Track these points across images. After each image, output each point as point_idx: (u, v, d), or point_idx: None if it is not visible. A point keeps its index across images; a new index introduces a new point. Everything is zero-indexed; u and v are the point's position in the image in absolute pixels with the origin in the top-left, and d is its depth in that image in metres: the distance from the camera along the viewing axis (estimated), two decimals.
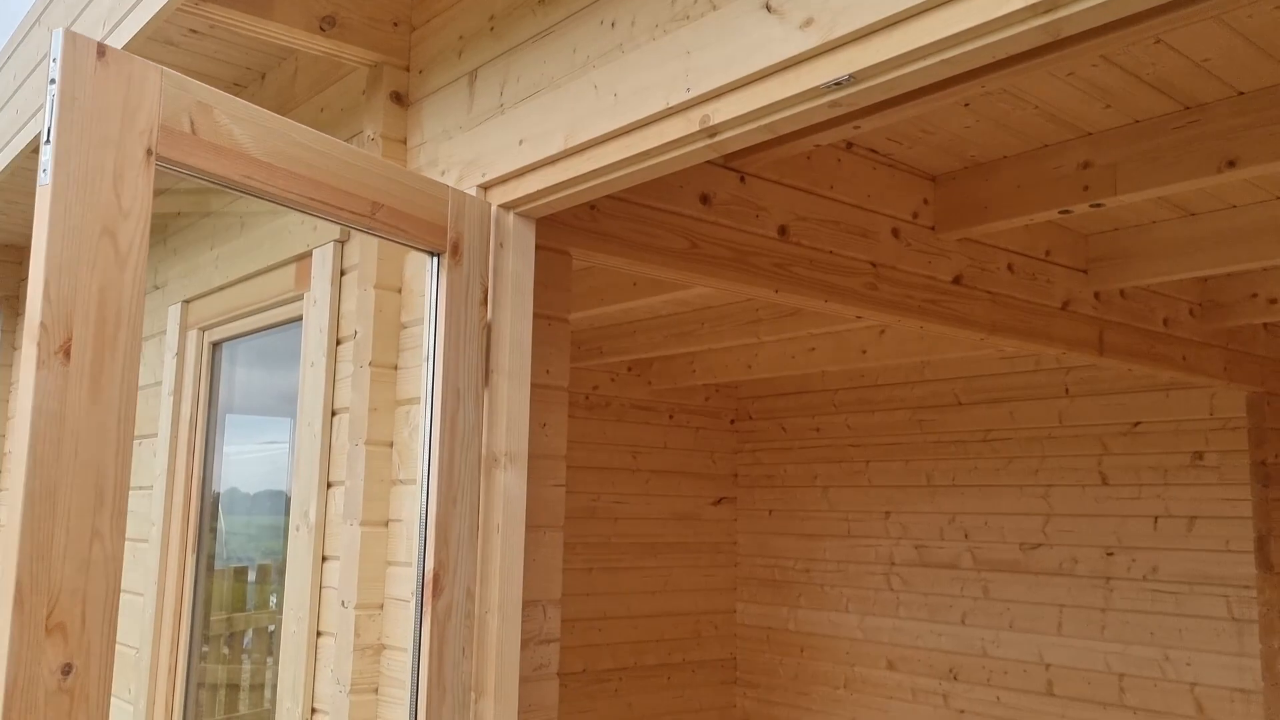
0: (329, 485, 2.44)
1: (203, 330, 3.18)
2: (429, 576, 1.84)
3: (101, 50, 1.39)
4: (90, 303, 1.35)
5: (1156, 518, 4.80)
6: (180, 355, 3.23)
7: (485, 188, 2.04)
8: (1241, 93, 2.57)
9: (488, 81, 2.11)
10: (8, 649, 1.22)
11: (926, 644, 5.55)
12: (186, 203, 3.39)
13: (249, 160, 1.60)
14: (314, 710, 2.37)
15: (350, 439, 2.27)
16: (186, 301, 3.25)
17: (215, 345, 3.18)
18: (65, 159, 1.34)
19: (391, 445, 2.25)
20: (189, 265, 3.27)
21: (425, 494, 1.88)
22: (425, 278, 1.95)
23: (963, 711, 5.37)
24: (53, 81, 1.34)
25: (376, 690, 2.18)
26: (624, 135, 1.73)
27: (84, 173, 1.36)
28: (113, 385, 1.36)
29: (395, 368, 2.27)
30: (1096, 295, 3.74)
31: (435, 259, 1.92)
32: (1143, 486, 4.85)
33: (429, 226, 1.87)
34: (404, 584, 2.16)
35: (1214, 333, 4.16)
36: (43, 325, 1.31)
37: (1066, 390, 5.14)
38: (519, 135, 1.95)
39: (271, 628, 2.95)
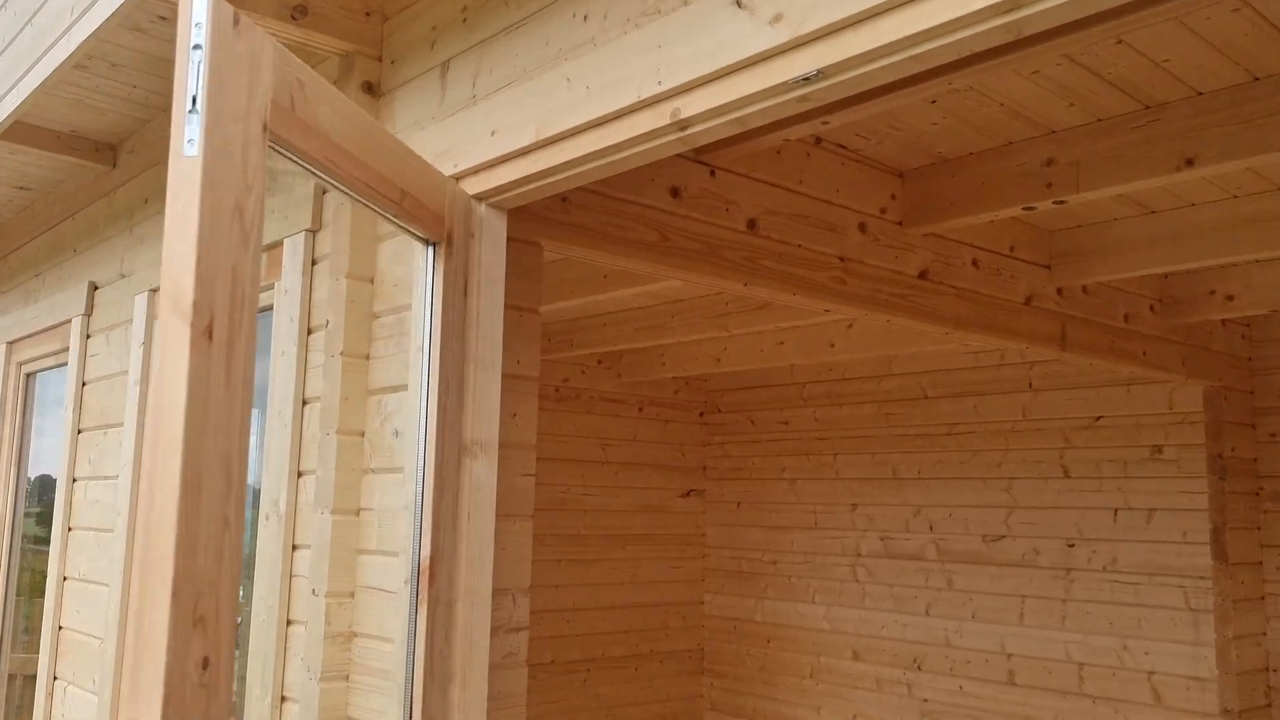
0: (299, 474, 2.45)
1: None
2: (424, 564, 1.85)
3: (236, 18, 1.32)
4: (225, 282, 1.29)
5: (1116, 510, 4.88)
6: (148, 345, 3.22)
7: (457, 178, 2.05)
8: (1200, 93, 2.63)
9: (460, 73, 2.12)
10: (167, 644, 1.17)
11: (891, 634, 5.62)
12: (154, 188, 3.37)
13: (329, 143, 1.53)
14: (284, 698, 2.38)
15: (321, 428, 2.28)
16: (154, 290, 3.23)
17: None
18: (212, 131, 1.27)
19: (363, 435, 2.26)
20: (157, 254, 3.25)
21: (421, 482, 1.88)
22: (419, 267, 1.96)
23: (926, 701, 5.45)
24: (197, 47, 1.27)
25: (347, 678, 2.19)
26: (596, 128, 1.75)
27: (223, 145, 1.29)
28: (239, 368, 1.30)
29: (367, 357, 2.28)
30: (1059, 291, 3.80)
31: (432, 248, 1.93)
32: (1103, 479, 4.94)
33: (432, 216, 1.88)
34: (375, 572, 2.17)
35: (1173, 329, 4.25)
36: (195, 305, 1.25)
37: (1030, 385, 5.22)
38: (491, 126, 1.96)
39: (239, 620, 2.95)
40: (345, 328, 2.25)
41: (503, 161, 1.94)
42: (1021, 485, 5.22)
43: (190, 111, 1.29)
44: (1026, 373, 5.22)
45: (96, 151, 3.62)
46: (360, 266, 2.29)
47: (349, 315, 2.26)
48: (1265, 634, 4.55)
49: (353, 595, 2.21)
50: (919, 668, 5.50)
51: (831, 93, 1.47)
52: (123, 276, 3.52)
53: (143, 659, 1.19)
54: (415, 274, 1.96)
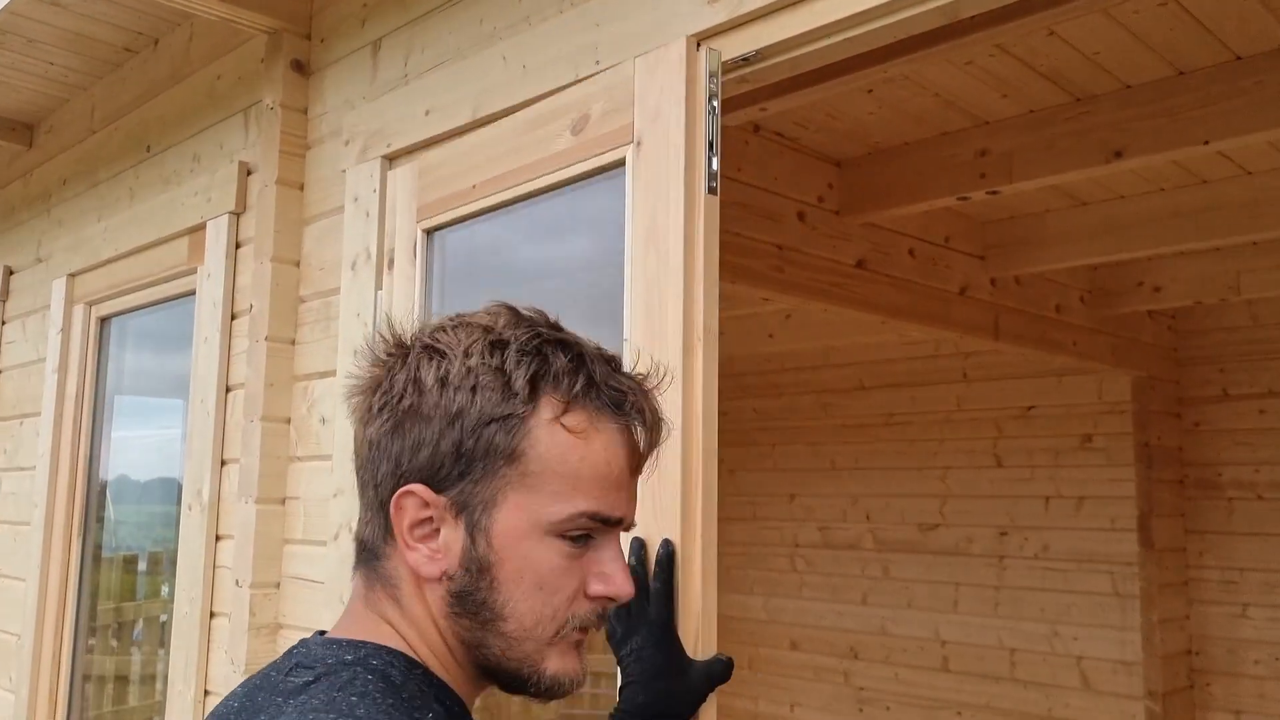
0: (223, 463, 2.38)
1: (90, 305, 3.06)
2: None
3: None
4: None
5: (1047, 498, 4.96)
6: (66, 331, 3.10)
7: (390, 159, 2.00)
8: (1129, 86, 2.67)
9: (392, 51, 2.07)
10: None
11: (828, 624, 5.66)
12: (73, 170, 3.25)
13: None
14: (207, 692, 2.31)
15: (246, 415, 2.21)
16: (72, 275, 3.12)
17: (103, 321, 3.06)
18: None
19: (289, 422, 2.20)
20: (75, 237, 3.14)
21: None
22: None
23: (862, 689, 5.50)
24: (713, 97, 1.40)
25: None
26: (533, 105, 1.71)
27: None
28: None
29: (293, 342, 2.22)
30: (993, 281, 3.84)
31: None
32: (1035, 468, 5.01)
33: None
34: (302, 562, 2.11)
35: (1102, 319, 4.32)
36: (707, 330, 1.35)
37: (964, 375, 5.28)
38: (425, 105, 1.92)
39: (164, 618, 2.87)
40: (270, 312, 2.19)
41: (438, 141, 1.90)
42: (956, 474, 5.28)
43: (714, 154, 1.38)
44: (961, 363, 5.28)
45: (12, 131, 3.49)
46: (285, 249, 2.22)
47: (274, 299, 2.20)
48: (1188, 618, 4.66)
49: (278, 586, 2.15)
50: (856, 656, 5.54)
51: (770, 74, 1.45)
52: (39, 261, 3.39)
53: None
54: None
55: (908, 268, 3.51)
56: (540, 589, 0.90)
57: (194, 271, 2.58)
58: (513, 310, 0.94)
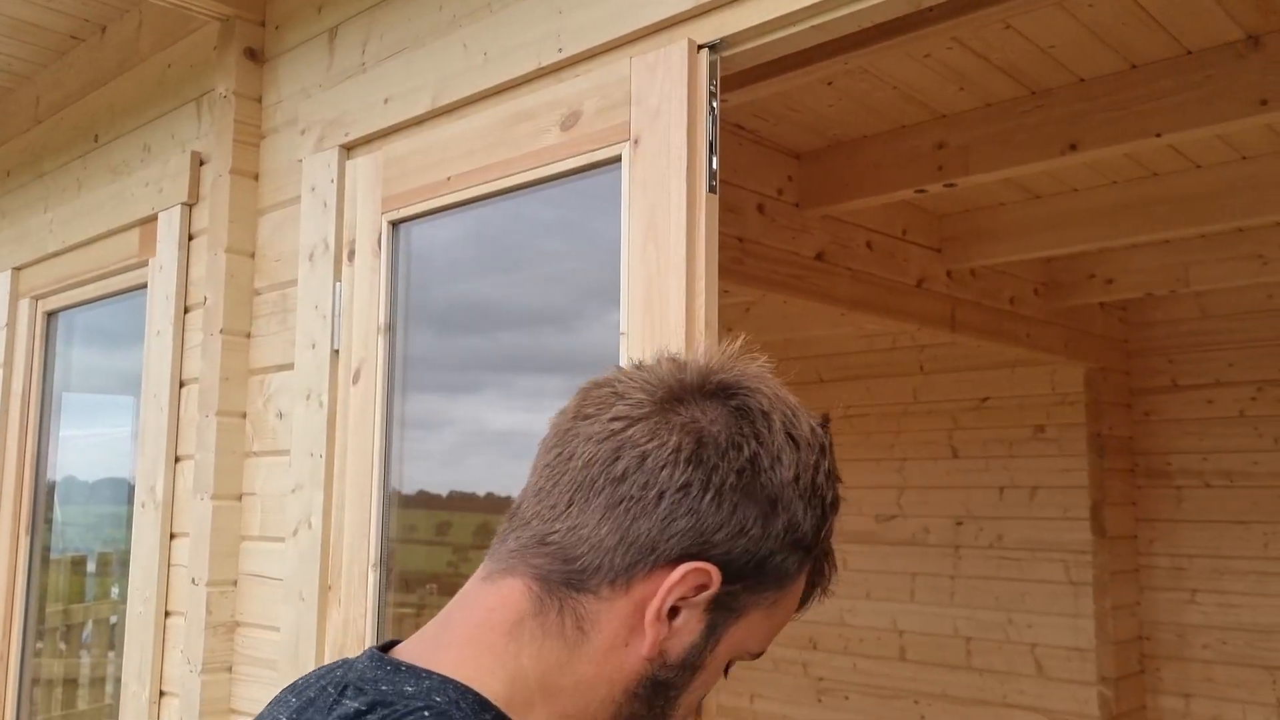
0: (177, 459, 2.33)
1: (36, 299, 2.98)
2: None
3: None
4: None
5: (1002, 488, 5.03)
6: (10, 326, 3.02)
7: (348, 148, 1.97)
8: (1083, 79, 2.70)
9: (349, 39, 2.04)
10: None
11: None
12: (16, 160, 3.17)
13: None
14: (162, 693, 2.26)
15: (200, 410, 2.17)
16: (17, 269, 3.04)
17: (50, 315, 2.98)
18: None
19: (245, 416, 2.16)
20: (20, 229, 3.06)
21: None
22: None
23: (821, 679, 5.53)
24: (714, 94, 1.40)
25: (230, 669, 2.09)
26: (494, 95, 1.69)
27: None
28: None
29: (248, 335, 2.18)
30: (949, 274, 3.88)
31: None
32: (990, 459, 5.07)
33: None
34: (260, 559, 2.08)
35: (1055, 311, 4.39)
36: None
37: (921, 368, 5.33)
38: (384, 94, 1.89)
39: (114, 619, 2.81)
40: (225, 305, 2.14)
41: (396, 131, 1.87)
42: (912, 466, 5.33)
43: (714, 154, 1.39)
44: (917, 356, 5.33)
45: None
46: (240, 240, 2.18)
47: (229, 292, 2.15)
48: (1139, 604, 4.75)
49: (235, 584, 2.11)
50: (814, 647, 5.58)
51: (734, 63, 1.45)
52: None
53: None
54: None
55: (866, 260, 3.53)
56: (695, 694, 0.85)
57: (145, 264, 2.53)
58: (808, 423, 0.87)
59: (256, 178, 2.21)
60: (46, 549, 2.92)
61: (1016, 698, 4.87)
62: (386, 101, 1.88)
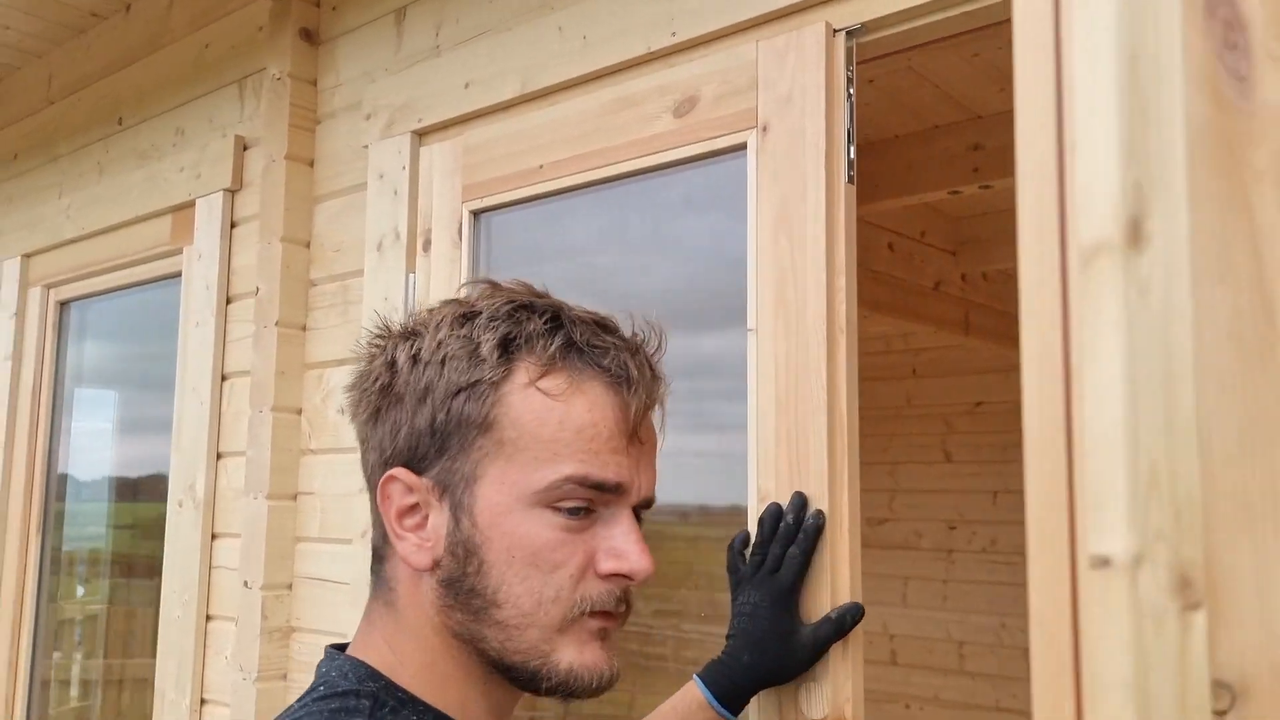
0: (219, 456, 2.23)
1: (48, 288, 2.86)
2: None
3: None
4: None
5: (995, 493, 5.04)
6: (20, 315, 2.89)
7: (421, 134, 1.90)
8: None
9: (419, 20, 1.96)
10: None
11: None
12: (25, 144, 3.03)
13: None
14: (203, 700, 2.16)
15: (253, 405, 2.08)
16: (27, 256, 2.91)
17: (63, 305, 2.86)
18: None
19: (300, 412, 2.07)
20: (30, 215, 2.92)
21: None
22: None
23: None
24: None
25: (285, 676, 2.00)
26: (593, 80, 1.63)
27: None
28: None
29: (303, 328, 2.09)
30: (963, 277, 3.88)
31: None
32: (983, 463, 5.09)
33: None
34: (318, 561, 1.99)
35: None
36: None
37: (914, 371, 5.33)
38: (464, 78, 1.82)
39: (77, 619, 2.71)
40: (280, 296, 2.06)
41: (478, 116, 1.80)
42: (905, 469, 5.33)
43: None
44: (911, 360, 5.34)
45: None
46: (295, 229, 2.09)
47: (285, 283, 2.07)
48: None
49: (290, 587, 2.03)
50: None
51: (866, 50, 1.40)
52: None
53: None
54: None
55: (888, 262, 3.52)
56: (535, 568, 0.81)
57: (178, 252, 2.42)
58: (493, 283, 0.91)
59: (311, 164, 2.13)
60: (57, 548, 2.80)
61: (1009, 702, 4.88)
62: (467, 86, 1.81)
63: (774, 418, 1.34)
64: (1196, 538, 0.58)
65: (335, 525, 1.97)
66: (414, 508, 0.84)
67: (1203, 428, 0.58)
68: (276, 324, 2.05)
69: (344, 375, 1.93)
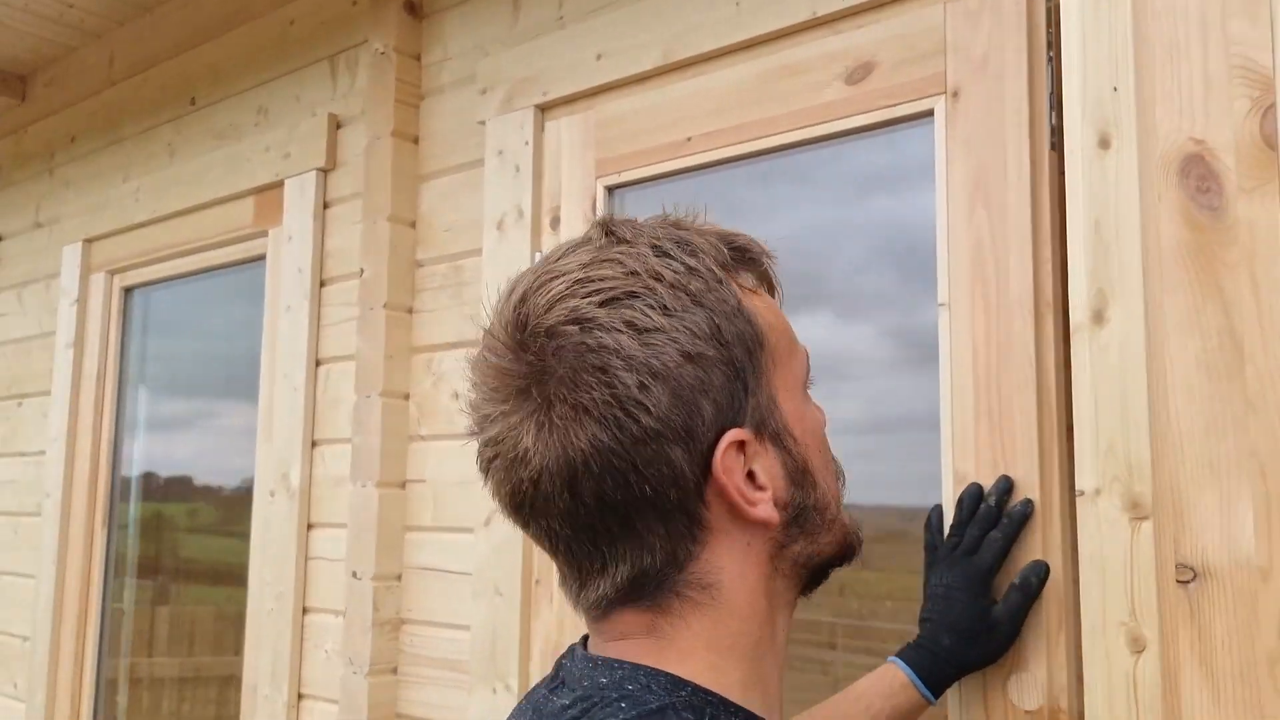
0: (314, 444, 2.16)
1: (112, 274, 2.78)
2: None
3: None
4: None
5: None
6: (82, 302, 2.81)
7: (544, 108, 1.83)
8: None
9: None
10: None
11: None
12: (85, 126, 2.95)
13: None
14: (301, 696, 2.09)
15: (358, 391, 2.01)
16: (89, 240, 2.83)
17: (127, 291, 2.78)
18: None
19: (408, 398, 2.00)
20: (91, 200, 2.84)
21: None
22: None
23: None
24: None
25: (395, 670, 1.93)
26: (747, 49, 1.57)
27: None
28: None
29: (410, 311, 2.03)
30: None
31: None
32: None
33: None
34: (430, 551, 1.93)
35: None
36: None
37: None
38: (595, 50, 1.75)
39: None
40: (389, 278, 1.99)
41: (612, 89, 1.74)
42: None
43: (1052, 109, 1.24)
44: None
45: (3, 83, 3.15)
46: (402, 209, 2.03)
47: (392, 264, 2.00)
48: None
49: (399, 578, 1.96)
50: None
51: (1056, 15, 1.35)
52: (39, 226, 3.07)
53: None
54: None
55: None
56: (824, 453, 0.81)
57: (263, 235, 2.35)
58: (631, 221, 0.79)
59: (416, 141, 2.06)
60: (121, 548, 2.72)
61: None
62: (599, 58, 1.75)
63: (972, 395, 1.29)
64: (1146, 480, 0.96)
65: (449, 514, 1.91)
66: (750, 470, 0.75)
67: (1166, 420, 0.96)
68: (385, 306, 1.98)
69: (456, 358, 1.87)
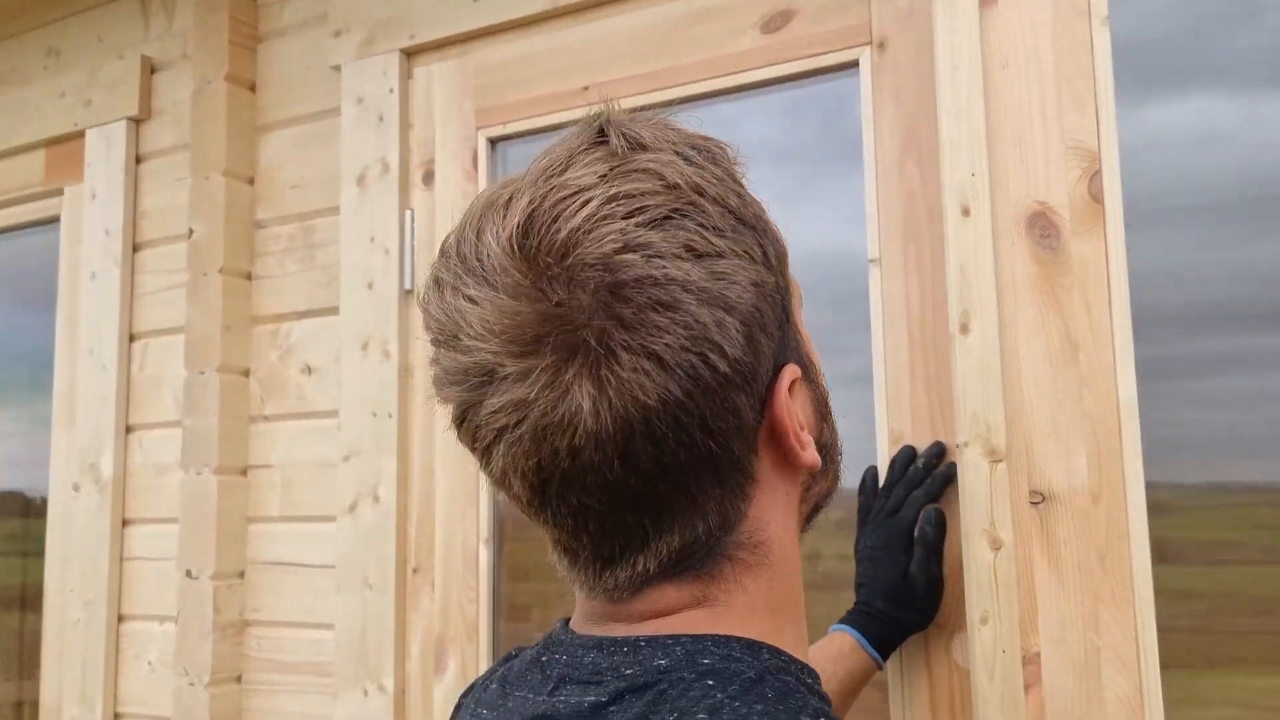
0: (129, 429, 1.90)
1: None
2: None
3: None
4: None
5: None
6: None
7: (410, 53, 1.67)
8: None
9: None
10: None
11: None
12: None
13: None
14: (118, 715, 1.83)
15: (190, 367, 1.77)
16: None
17: None
18: None
19: (248, 374, 1.79)
20: None
21: None
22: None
23: None
24: None
25: (239, 679, 1.72)
26: None
27: None
28: None
29: (249, 276, 1.81)
30: None
31: None
32: None
33: None
34: (279, 544, 1.73)
35: None
36: None
37: None
38: None
39: None
40: (225, 239, 1.77)
41: (492, 33, 1.60)
42: None
43: None
44: None
45: None
46: (238, 163, 1.81)
47: (228, 224, 1.78)
48: None
49: (242, 575, 1.74)
50: None
51: None
52: None
53: None
54: None
55: None
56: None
57: (58, 193, 2.05)
58: (612, 122, 0.64)
59: (253, 88, 1.84)
60: None
61: None
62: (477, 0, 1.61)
63: (907, 355, 1.26)
64: (1001, 435, 1.14)
65: (302, 502, 1.71)
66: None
67: (1020, 396, 1.15)
68: (220, 271, 1.76)
69: (308, 329, 1.69)
